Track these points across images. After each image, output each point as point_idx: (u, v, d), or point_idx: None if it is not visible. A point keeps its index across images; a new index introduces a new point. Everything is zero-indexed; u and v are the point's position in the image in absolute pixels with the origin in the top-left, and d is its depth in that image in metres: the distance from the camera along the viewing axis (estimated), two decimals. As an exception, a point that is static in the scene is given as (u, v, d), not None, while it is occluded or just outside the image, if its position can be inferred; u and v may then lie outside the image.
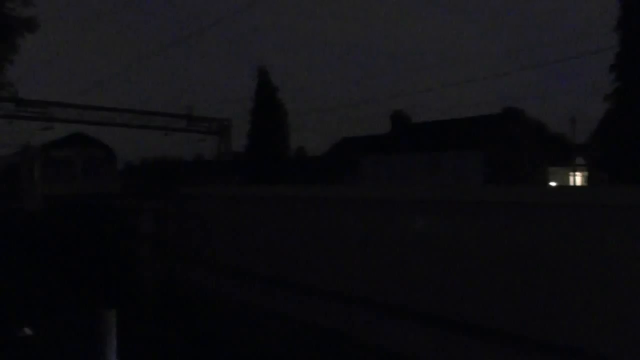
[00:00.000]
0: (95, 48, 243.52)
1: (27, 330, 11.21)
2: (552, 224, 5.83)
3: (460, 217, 6.85)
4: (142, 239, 18.32)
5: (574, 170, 53.97)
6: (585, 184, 51.13)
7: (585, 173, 52.14)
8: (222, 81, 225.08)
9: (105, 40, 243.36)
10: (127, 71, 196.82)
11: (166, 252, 16.57)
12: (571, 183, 53.11)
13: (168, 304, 14.37)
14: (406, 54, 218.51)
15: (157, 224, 17.71)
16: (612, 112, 35.28)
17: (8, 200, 32.20)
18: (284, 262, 10.19)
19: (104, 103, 79.54)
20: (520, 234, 6.09)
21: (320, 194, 10.29)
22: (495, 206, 6.46)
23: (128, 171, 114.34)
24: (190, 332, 12.00)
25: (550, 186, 20.95)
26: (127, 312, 9.70)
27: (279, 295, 10.06)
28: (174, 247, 16.31)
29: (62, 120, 52.05)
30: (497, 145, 46.46)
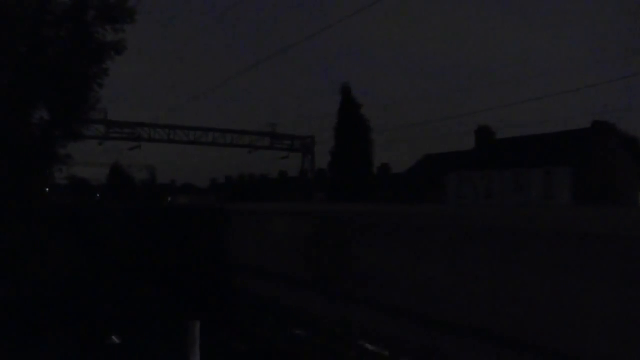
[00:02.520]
0: (182, 70, 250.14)
1: (115, 339, 11.68)
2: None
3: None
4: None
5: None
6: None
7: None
8: (308, 99, 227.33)
9: (191, 63, 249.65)
10: (212, 91, 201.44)
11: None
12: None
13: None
14: (492, 68, 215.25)
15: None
16: None
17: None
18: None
19: (190, 123, 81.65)
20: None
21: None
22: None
23: (213, 188, 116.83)
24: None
25: None
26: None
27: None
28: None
29: (150, 140, 53.70)
30: (586, 162, 45.20)
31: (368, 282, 11.88)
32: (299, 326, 13.06)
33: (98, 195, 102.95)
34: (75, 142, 24.40)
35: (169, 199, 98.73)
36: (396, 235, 11.88)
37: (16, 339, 11.93)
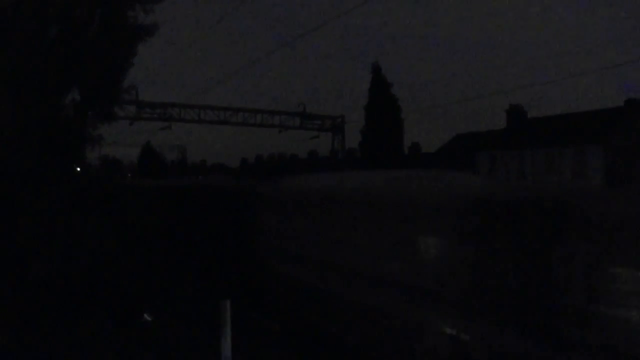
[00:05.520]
0: (212, 49, 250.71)
1: (147, 317, 11.87)
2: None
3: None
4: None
5: None
6: None
7: None
8: (339, 78, 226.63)
9: (221, 42, 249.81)
10: (243, 71, 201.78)
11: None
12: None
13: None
14: (523, 46, 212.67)
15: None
16: None
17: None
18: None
19: (220, 103, 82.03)
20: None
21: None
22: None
23: (243, 168, 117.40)
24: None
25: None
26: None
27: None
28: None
29: (181, 120, 54.10)
30: (619, 140, 44.61)
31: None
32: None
33: (129, 175, 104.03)
34: (107, 123, 24.68)
35: (199, 178, 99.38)
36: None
37: (50, 317, 12.18)
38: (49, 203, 20.77)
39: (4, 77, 19.65)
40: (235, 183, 27.40)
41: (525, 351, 7.69)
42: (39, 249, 18.31)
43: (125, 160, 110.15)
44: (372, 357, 10.38)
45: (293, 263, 14.76)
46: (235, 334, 8.45)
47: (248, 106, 59.23)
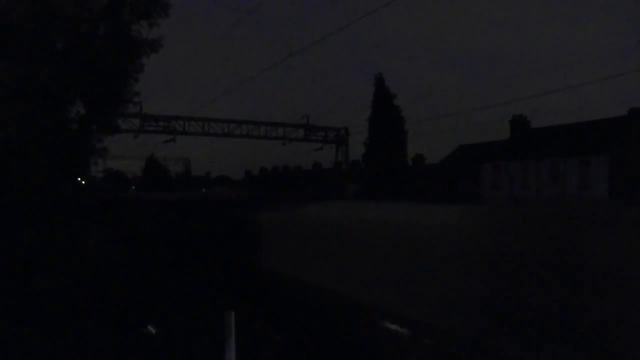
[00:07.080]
0: (216, 62, 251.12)
1: (151, 329, 11.82)
2: None
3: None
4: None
5: None
6: None
7: None
8: (341, 90, 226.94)
9: (225, 54, 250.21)
10: (246, 83, 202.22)
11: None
12: None
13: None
14: (525, 56, 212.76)
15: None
16: None
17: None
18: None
19: (224, 115, 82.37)
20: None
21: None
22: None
23: (248, 180, 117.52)
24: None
25: None
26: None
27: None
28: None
29: (185, 132, 54.19)
30: (624, 150, 44.46)
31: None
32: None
33: (133, 187, 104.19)
34: (111, 135, 24.79)
35: (203, 190, 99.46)
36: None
37: (54, 328, 12.16)
38: (52, 215, 20.80)
39: (11, 90, 19.76)
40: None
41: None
42: (41, 260, 18.33)
43: (129, 173, 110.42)
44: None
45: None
46: (240, 346, 8.43)
47: (252, 118, 59.23)
